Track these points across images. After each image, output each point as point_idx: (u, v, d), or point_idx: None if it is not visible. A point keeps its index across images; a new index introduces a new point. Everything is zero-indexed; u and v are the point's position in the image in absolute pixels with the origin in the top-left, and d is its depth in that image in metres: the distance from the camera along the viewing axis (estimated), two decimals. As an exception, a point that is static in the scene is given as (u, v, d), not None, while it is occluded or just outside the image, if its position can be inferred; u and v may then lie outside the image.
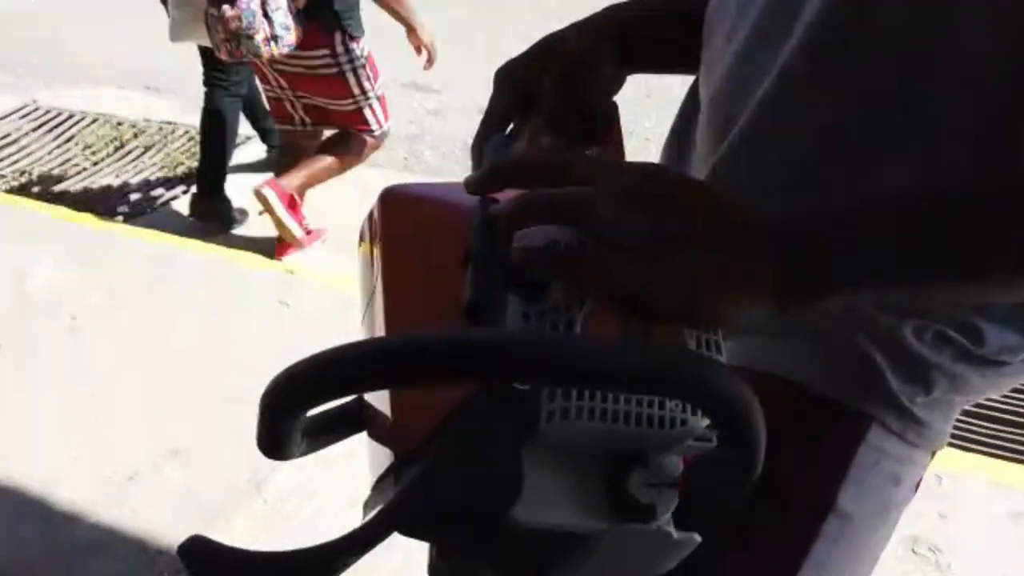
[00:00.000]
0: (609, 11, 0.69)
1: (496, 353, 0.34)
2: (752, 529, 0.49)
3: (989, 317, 0.56)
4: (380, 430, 0.44)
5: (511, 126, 0.65)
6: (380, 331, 0.44)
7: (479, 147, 0.64)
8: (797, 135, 0.55)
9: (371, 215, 0.48)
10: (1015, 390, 2.02)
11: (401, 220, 0.46)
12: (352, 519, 0.41)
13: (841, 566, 0.60)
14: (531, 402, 0.38)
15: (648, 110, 3.51)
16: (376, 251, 0.46)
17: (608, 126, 0.65)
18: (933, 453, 0.63)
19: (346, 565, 0.38)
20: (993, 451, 1.88)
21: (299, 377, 0.36)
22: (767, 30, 0.56)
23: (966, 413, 1.97)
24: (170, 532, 1.66)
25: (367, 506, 0.44)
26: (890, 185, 0.52)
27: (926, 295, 0.51)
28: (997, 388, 0.60)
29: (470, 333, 0.35)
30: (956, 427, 2.16)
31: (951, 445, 1.87)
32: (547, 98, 0.62)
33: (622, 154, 0.64)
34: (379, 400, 0.43)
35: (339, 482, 1.73)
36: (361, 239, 0.50)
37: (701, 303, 0.41)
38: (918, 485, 0.64)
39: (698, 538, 0.41)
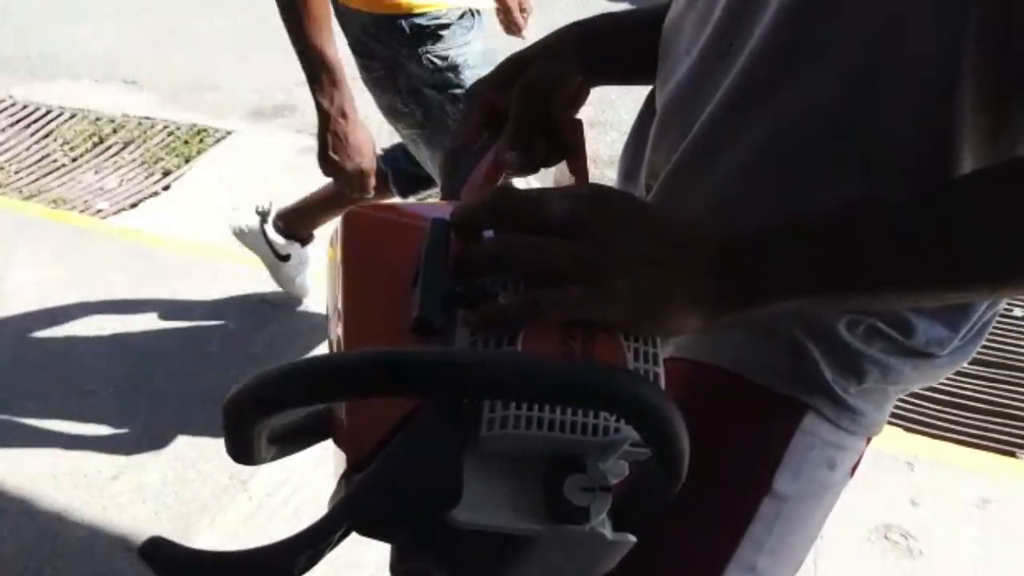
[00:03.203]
0: (572, 27, 0.71)
1: (437, 371, 0.36)
2: (692, 508, 0.52)
3: (918, 311, 0.59)
4: (339, 435, 0.46)
5: (480, 143, 0.67)
6: (340, 347, 0.46)
7: (448, 165, 0.66)
8: (744, 147, 0.57)
9: (336, 230, 0.50)
10: (985, 379, 2.06)
11: (362, 242, 0.48)
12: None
13: (778, 544, 0.63)
14: (473, 411, 0.41)
15: (626, 104, 3.53)
16: (339, 266, 0.48)
17: (573, 141, 0.67)
18: (868, 439, 0.66)
19: (302, 558, 0.40)
20: (963, 438, 1.92)
21: (248, 391, 0.38)
22: (722, 44, 0.58)
23: (936, 401, 2.01)
24: (154, 530, 1.65)
25: (331, 502, 0.46)
26: (830, 197, 0.54)
27: (860, 302, 0.53)
28: (929, 379, 0.63)
29: (409, 352, 0.37)
30: (926, 415, 2.17)
31: (922, 433, 1.92)
32: (514, 115, 0.64)
33: (586, 169, 0.66)
34: (338, 406, 0.45)
35: (324, 478, 1.74)
36: (331, 246, 0.52)
37: (640, 316, 0.44)
38: (854, 469, 0.67)
39: (633, 539, 0.43)
